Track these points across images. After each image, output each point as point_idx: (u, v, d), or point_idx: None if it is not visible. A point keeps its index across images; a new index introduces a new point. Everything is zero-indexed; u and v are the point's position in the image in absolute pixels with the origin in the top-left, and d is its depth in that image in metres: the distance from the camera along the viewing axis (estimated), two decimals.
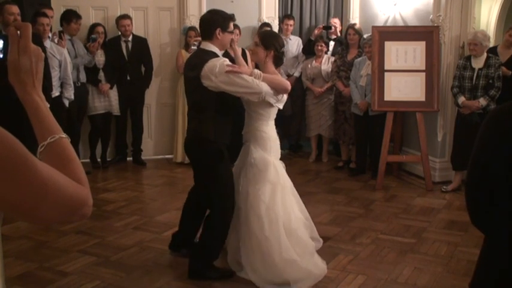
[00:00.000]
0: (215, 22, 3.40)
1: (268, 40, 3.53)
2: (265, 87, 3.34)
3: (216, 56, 3.39)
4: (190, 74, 3.41)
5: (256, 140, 3.53)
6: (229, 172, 3.56)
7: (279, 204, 3.48)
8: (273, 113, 3.55)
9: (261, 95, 3.33)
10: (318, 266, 3.60)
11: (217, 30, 3.39)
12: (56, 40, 5.63)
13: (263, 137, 3.52)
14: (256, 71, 3.38)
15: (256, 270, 3.44)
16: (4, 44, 1.13)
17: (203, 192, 3.64)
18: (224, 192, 3.49)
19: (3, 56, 1.13)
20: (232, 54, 3.93)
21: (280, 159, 3.71)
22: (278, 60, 3.58)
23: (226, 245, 3.69)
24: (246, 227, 3.48)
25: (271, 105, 3.47)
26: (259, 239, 3.41)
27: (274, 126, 3.61)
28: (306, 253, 3.57)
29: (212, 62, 3.27)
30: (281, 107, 3.55)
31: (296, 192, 3.79)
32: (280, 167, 3.62)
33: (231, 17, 3.50)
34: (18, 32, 1.10)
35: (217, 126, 3.41)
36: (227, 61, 3.33)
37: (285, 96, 3.53)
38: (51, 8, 5.82)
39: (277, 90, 3.42)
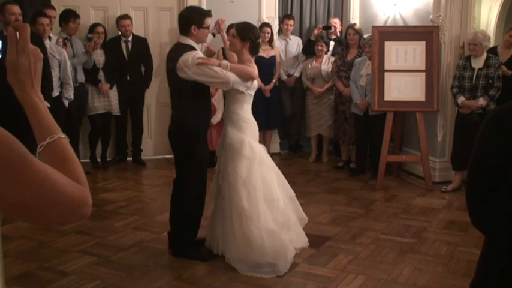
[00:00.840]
0: (191, 19, 3.67)
1: (244, 32, 3.74)
2: (232, 76, 3.60)
3: (193, 49, 3.64)
4: (169, 65, 3.70)
5: (232, 122, 3.77)
6: (205, 151, 3.83)
7: (256, 177, 3.67)
8: (247, 98, 3.77)
9: (229, 84, 3.60)
10: (296, 240, 3.83)
11: (193, 27, 3.65)
12: (60, 45, 5.65)
13: (238, 119, 3.74)
14: (224, 61, 3.63)
15: (238, 248, 3.61)
16: (3, 45, 1.13)
17: (178, 170, 3.87)
18: (198, 166, 3.73)
19: (2, 57, 1.13)
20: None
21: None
22: (253, 50, 3.79)
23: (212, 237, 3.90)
24: (227, 203, 3.67)
25: (243, 92, 3.70)
26: (238, 211, 3.59)
27: (249, 110, 3.82)
28: (286, 225, 3.74)
29: (186, 56, 3.53)
30: (252, 93, 3.77)
31: (279, 171, 3.94)
32: (257, 145, 3.81)
33: (207, 13, 3.75)
34: (17, 32, 1.10)
35: (194, 110, 3.68)
36: (200, 54, 3.62)
37: (255, 83, 3.77)
38: (53, 8, 5.81)
39: (244, 78, 3.66)
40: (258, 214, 3.59)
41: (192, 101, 3.70)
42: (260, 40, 3.87)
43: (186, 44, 3.66)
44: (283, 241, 3.65)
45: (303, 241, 3.98)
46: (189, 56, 3.52)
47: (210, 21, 3.77)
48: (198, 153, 3.75)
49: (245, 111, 3.78)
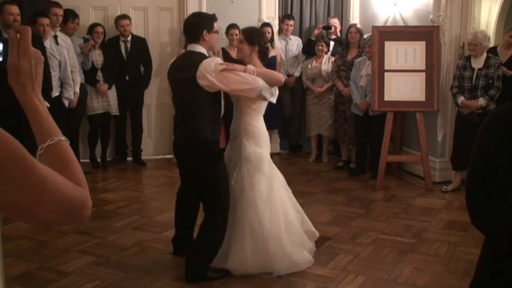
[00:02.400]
0: (201, 25, 3.46)
1: (252, 36, 3.61)
2: (261, 81, 3.43)
3: (206, 56, 3.43)
4: (180, 75, 3.43)
5: (247, 134, 3.56)
6: (225, 171, 3.57)
7: (276, 197, 3.56)
8: (263, 108, 3.64)
9: (258, 89, 3.42)
10: (305, 259, 3.69)
11: (204, 32, 3.45)
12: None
13: (255, 131, 3.57)
14: (250, 66, 3.43)
15: (246, 265, 3.49)
16: (4, 47, 1.14)
17: (198, 191, 3.63)
18: (222, 192, 3.50)
19: (2, 59, 1.14)
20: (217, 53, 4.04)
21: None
22: (263, 56, 3.65)
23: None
24: (242, 220, 3.50)
25: (263, 100, 3.55)
26: (254, 229, 3.46)
27: (263, 121, 3.68)
28: (299, 245, 3.67)
29: (207, 62, 3.30)
30: (274, 101, 3.63)
31: (287, 186, 3.84)
32: (271, 161, 3.70)
33: (214, 18, 3.58)
34: (18, 35, 1.11)
35: (213, 125, 3.46)
36: (220, 60, 3.40)
37: (277, 91, 3.61)
38: (60, 6, 5.74)
39: (272, 83, 3.52)
40: (279, 237, 3.49)
41: (210, 114, 3.43)
42: (269, 45, 3.73)
43: (197, 52, 3.44)
44: (296, 263, 3.59)
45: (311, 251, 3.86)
46: (211, 62, 3.29)
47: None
48: (219, 175, 3.48)
49: (261, 122, 3.62)
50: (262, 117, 3.65)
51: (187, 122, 3.47)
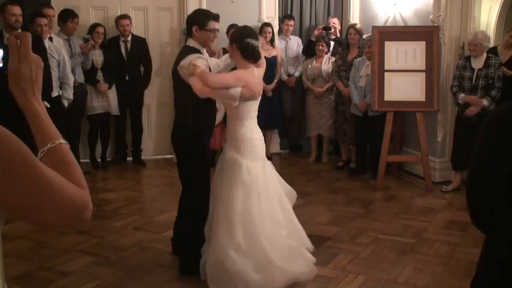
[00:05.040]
0: (193, 20, 3.55)
1: (233, 35, 3.46)
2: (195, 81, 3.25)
3: (197, 51, 3.49)
4: (173, 67, 3.57)
5: (230, 140, 3.46)
6: (205, 159, 3.63)
7: (253, 210, 3.30)
8: (247, 114, 3.38)
9: (214, 94, 3.33)
10: (303, 272, 3.45)
11: (194, 28, 3.51)
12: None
13: (236, 137, 3.40)
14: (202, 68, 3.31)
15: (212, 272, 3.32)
16: (4, 54, 1.16)
17: (182, 179, 3.68)
18: (191, 173, 3.55)
19: (3, 65, 1.16)
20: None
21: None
22: (244, 54, 3.34)
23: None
24: (215, 226, 3.34)
25: (242, 104, 3.33)
26: (224, 245, 3.23)
27: (252, 127, 3.44)
28: (291, 259, 3.41)
29: (186, 58, 3.37)
30: (234, 103, 3.31)
31: (283, 196, 3.56)
32: (258, 167, 3.41)
33: (213, 16, 3.58)
34: (18, 41, 1.13)
35: (200, 117, 3.53)
36: (199, 60, 3.34)
37: (234, 93, 3.27)
38: (51, 7, 5.80)
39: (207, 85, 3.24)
40: (256, 252, 3.26)
41: (195, 104, 3.43)
42: (255, 43, 3.35)
43: (190, 47, 3.53)
44: (292, 277, 3.37)
45: (308, 262, 3.57)
46: (187, 60, 3.33)
47: (216, 25, 3.58)
48: (198, 156, 3.51)
49: (246, 128, 3.39)
50: (248, 123, 3.40)
51: (176, 112, 3.71)
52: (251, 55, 3.36)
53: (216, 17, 3.62)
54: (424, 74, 5.70)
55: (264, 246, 3.27)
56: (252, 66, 3.39)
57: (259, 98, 3.46)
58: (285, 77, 7.01)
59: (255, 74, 3.40)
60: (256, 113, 3.48)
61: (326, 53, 6.75)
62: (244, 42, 3.32)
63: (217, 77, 3.37)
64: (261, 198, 3.36)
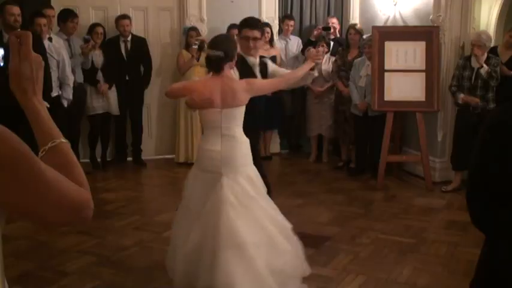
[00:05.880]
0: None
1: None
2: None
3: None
4: None
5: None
6: None
7: (182, 233, 3.20)
8: (208, 125, 3.19)
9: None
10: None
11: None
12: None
13: (199, 149, 3.35)
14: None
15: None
16: (4, 53, 1.16)
17: None
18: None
19: (4, 64, 1.16)
20: None
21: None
22: (206, 62, 3.24)
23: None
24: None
25: (202, 113, 3.22)
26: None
27: (210, 138, 3.16)
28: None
29: None
30: (206, 114, 3.17)
31: (263, 205, 3.20)
32: (203, 180, 3.17)
33: (247, 24, 3.63)
34: (19, 40, 1.13)
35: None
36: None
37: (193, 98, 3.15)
38: (51, 7, 5.80)
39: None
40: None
41: None
42: (213, 54, 3.11)
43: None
44: None
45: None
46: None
47: (249, 33, 3.57)
48: None
49: (204, 137, 3.25)
50: (208, 133, 3.19)
51: None
52: (208, 65, 3.24)
53: (250, 25, 3.59)
54: (424, 74, 5.70)
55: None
56: (212, 75, 3.20)
57: (219, 108, 3.11)
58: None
59: (209, 83, 3.18)
60: (218, 124, 3.14)
61: (326, 53, 6.75)
62: (210, 53, 3.18)
63: (174, 85, 3.46)
64: (209, 218, 3.07)
